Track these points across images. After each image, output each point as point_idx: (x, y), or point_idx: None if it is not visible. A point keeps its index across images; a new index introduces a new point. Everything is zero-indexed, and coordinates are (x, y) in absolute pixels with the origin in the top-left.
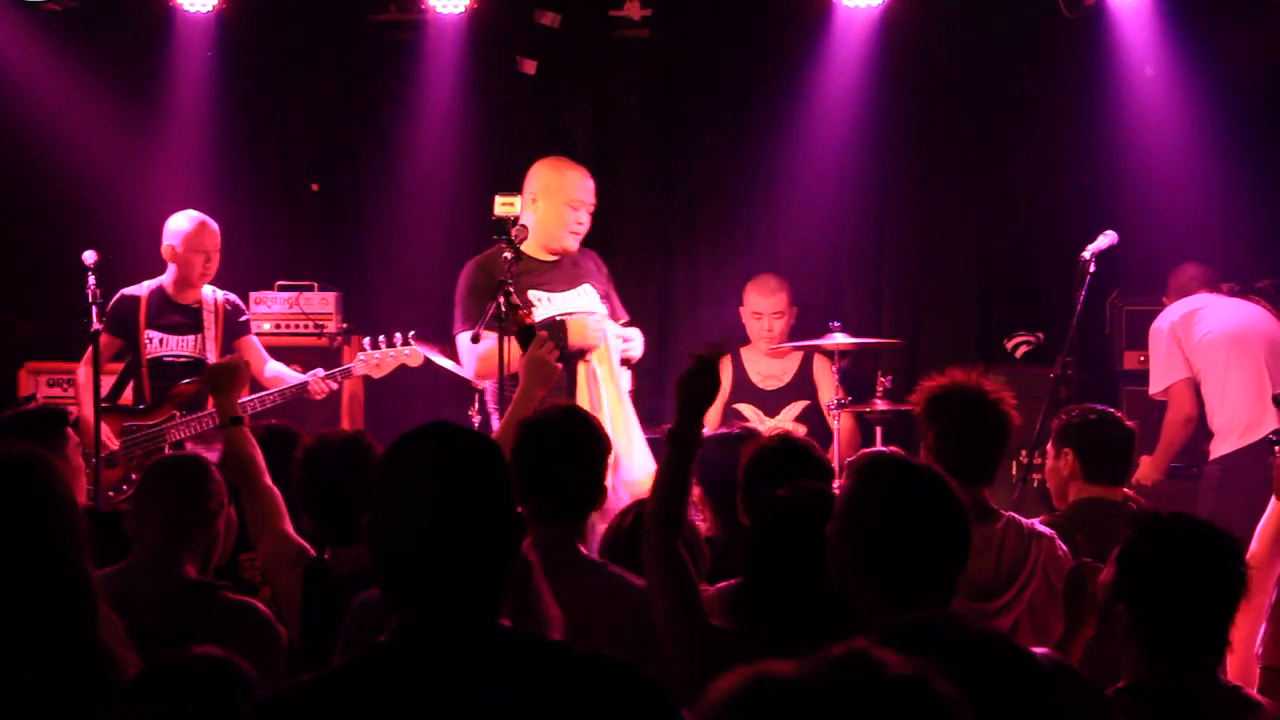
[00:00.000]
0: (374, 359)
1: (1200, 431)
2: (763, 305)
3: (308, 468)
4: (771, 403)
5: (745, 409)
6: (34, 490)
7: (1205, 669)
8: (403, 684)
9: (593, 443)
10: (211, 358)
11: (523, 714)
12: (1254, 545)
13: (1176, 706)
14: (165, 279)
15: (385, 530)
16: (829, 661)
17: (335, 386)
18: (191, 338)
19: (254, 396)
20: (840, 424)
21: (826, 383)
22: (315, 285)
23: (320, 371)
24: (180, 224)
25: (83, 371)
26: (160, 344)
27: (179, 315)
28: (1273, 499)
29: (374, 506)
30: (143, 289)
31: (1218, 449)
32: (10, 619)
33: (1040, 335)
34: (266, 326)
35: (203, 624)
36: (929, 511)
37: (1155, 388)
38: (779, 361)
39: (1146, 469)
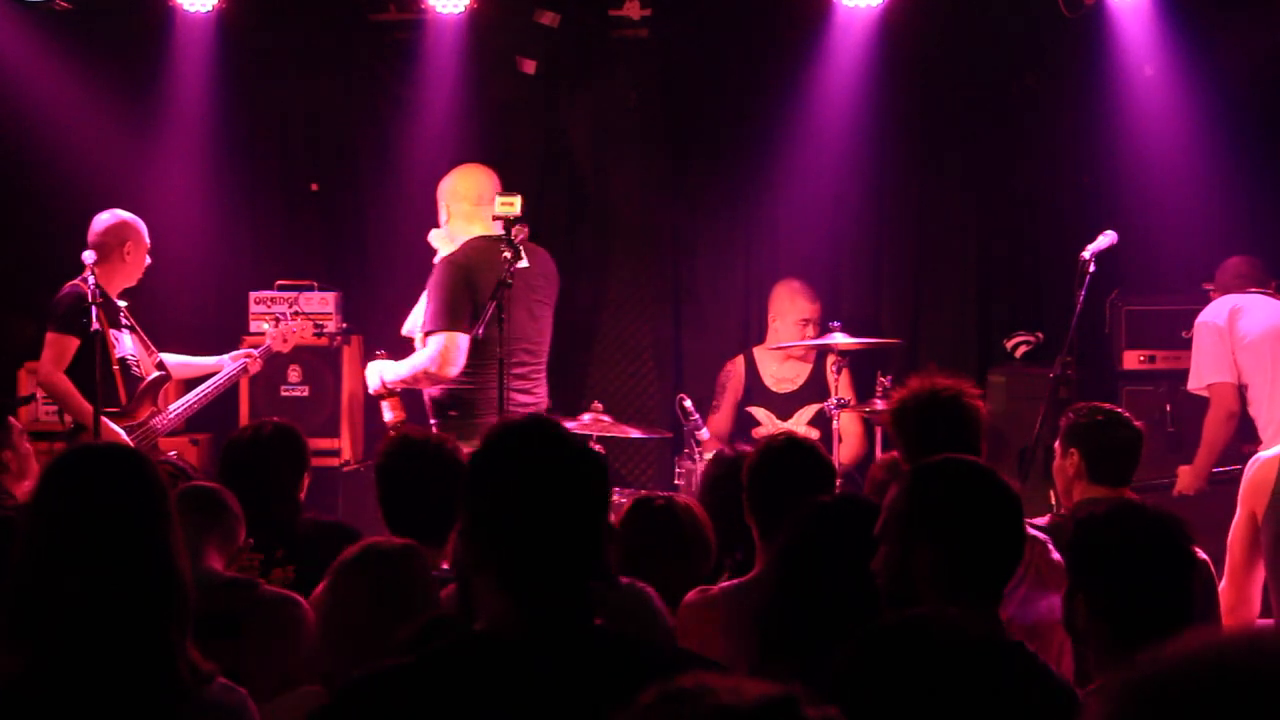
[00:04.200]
0: (283, 333)
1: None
2: (810, 311)
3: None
4: (784, 406)
5: (758, 412)
6: (143, 482)
7: None
8: (500, 673)
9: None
10: (147, 354)
11: (616, 709)
12: (1229, 560)
13: None
14: (95, 277)
15: (490, 525)
16: (761, 700)
17: (260, 366)
18: (130, 335)
19: (194, 395)
20: (847, 426)
21: (844, 383)
22: (315, 285)
23: (240, 355)
24: (125, 221)
25: (48, 375)
26: (117, 343)
27: (120, 314)
28: (1238, 509)
29: (470, 499)
30: (85, 287)
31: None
32: (104, 616)
33: (1040, 335)
34: (266, 326)
35: (252, 615)
36: (1002, 509)
37: (1196, 383)
38: (792, 364)
39: (1187, 479)
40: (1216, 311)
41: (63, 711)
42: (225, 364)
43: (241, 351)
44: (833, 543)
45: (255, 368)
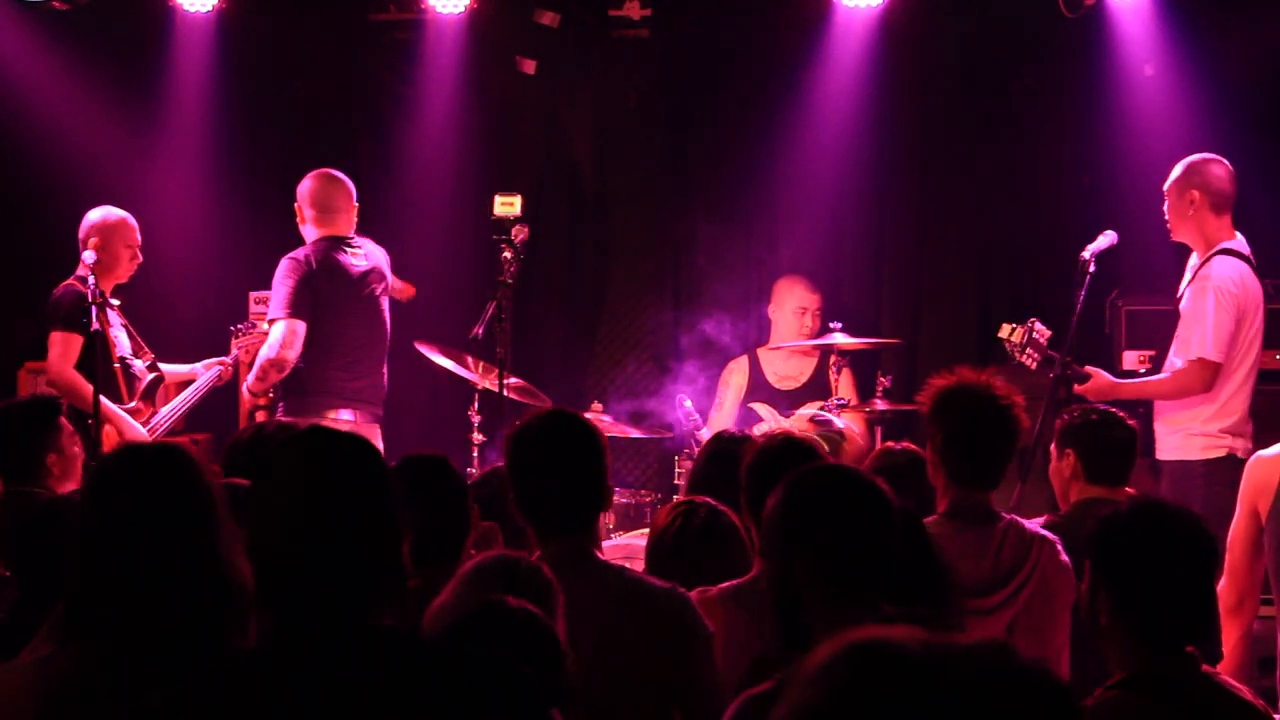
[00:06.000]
0: (245, 344)
1: None
2: (809, 300)
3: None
4: (787, 403)
5: (761, 409)
6: (192, 480)
7: (1188, 658)
8: (273, 685)
9: (590, 442)
10: (140, 355)
11: (387, 711)
12: (1228, 556)
13: (1170, 694)
14: (93, 275)
15: (258, 535)
16: (960, 646)
17: (230, 374)
18: (125, 334)
19: (178, 402)
20: (852, 425)
21: (845, 383)
22: None
23: (214, 363)
24: (99, 220)
25: (60, 372)
26: (117, 342)
27: (113, 313)
28: (1237, 509)
29: (250, 512)
30: (84, 286)
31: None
32: (157, 609)
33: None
34: (265, 326)
35: None
36: (847, 518)
37: (1215, 352)
38: (795, 362)
39: (1102, 383)
40: (1235, 279)
41: (120, 698)
42: (199, 371)
43: (215, 360)
44: None
45: (227, 375)
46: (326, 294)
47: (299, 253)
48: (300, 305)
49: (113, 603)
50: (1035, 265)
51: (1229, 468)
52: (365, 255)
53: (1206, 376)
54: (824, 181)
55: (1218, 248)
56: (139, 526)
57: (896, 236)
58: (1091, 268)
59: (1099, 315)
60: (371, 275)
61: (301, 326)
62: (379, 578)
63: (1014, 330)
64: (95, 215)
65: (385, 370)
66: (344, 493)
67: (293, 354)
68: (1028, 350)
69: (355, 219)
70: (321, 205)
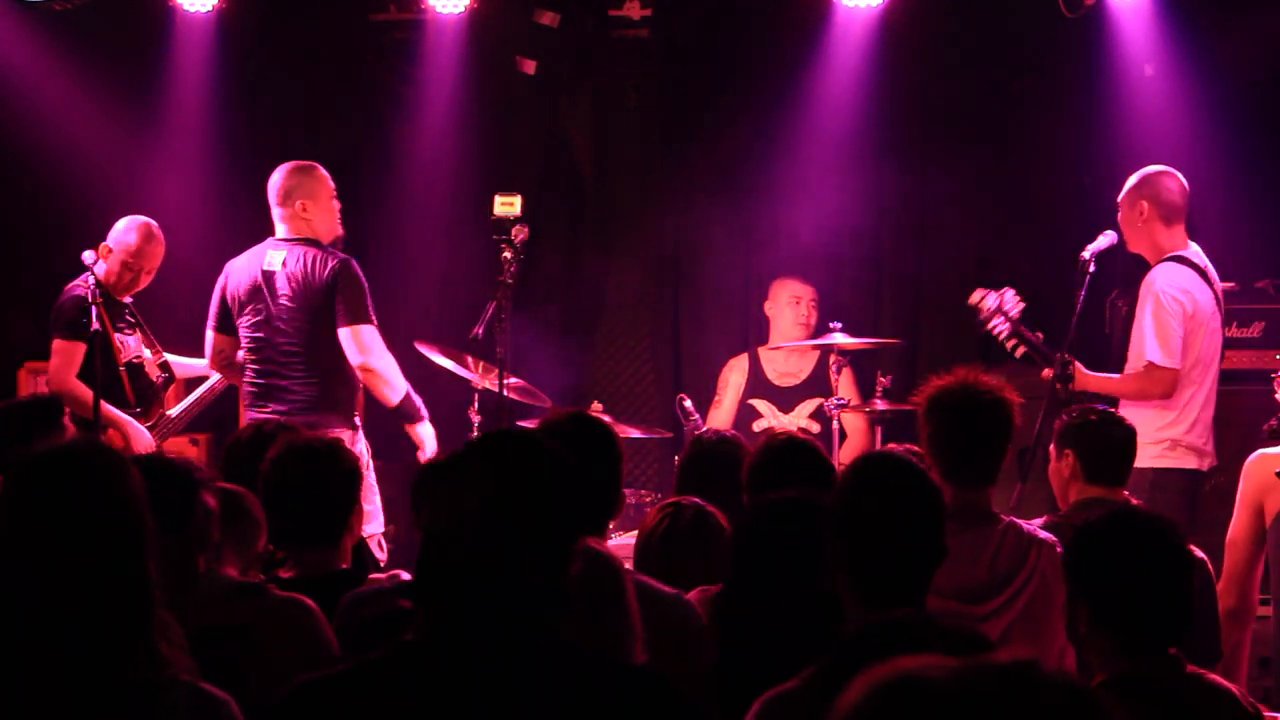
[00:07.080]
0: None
1: None
2: (804, 291)
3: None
4: (787, 400)
5: (760, 405)
6: (100, 485)
7: (1172, 659)
8: (432, 683)
9: (609, 447)
10: (151, 355)
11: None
12: (1228, 558)
13: (1152, 695)
14: (98, 276)
15: (430, 532)
16: (987, 670)
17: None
18: (136, 334)
19: (190, 400)
20: (851, 424)
21: (845, 383)
22: None
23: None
24: (117, 226)
25: (61, 381)
26: (124, 347)
27: (124, 313)
28: (1236, 510)
29: (431, 508)
30: (86, 288)
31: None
32: (65, 618)
33: (1040, 335)
34: None
35: (262, 622)
36: (896, 510)
37: (1164, 358)
38: (795, 359)
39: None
40: (1178, 284)
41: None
42: (210, 371)
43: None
44: (780, 543)
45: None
46: (234, 302)
47: (233, 260)
48: (215, 315)
49: (29, 609)
50: (1035, 265)
51: (1180, 478)
52: (274, 259)
53: (1163, 382)
54: (824, 181)
55: (1165, 256)
56: (46, 530)
57: (896, 236)
58: (1091, 268)
59: (1099, 315)
60: (275, 279)
61: (213, 337)
62: (558, 589)
63: (984, 296)
64: (120, 223)
65: (318, 375)
66: (545, 499)
67: (210, 364)
68: (997, 317)
69: (294, 218)
70: (273, 199)
